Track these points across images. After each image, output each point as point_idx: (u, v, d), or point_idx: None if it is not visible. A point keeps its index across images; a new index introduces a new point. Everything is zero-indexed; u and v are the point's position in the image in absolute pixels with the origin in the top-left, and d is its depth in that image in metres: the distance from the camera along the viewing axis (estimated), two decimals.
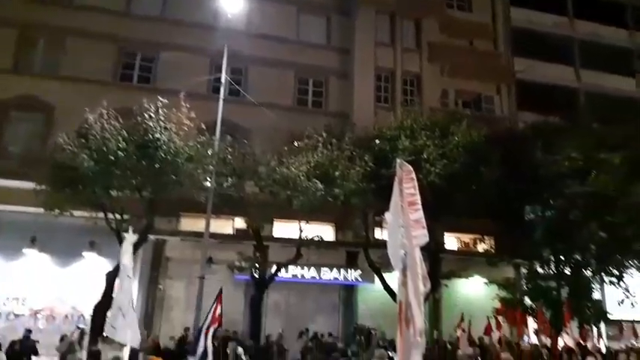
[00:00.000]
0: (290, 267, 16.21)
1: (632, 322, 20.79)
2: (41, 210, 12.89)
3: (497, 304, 15.97)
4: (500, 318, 15.74)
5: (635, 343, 17.23)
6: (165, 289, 16.90)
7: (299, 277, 17.32)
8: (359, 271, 17.88)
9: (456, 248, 19.72)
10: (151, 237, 15.76)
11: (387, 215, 7.45)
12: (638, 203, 13.37)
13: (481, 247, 18.68)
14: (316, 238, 14.83)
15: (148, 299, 16.57)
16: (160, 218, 15.10)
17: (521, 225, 15.43)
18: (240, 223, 16.88)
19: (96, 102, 12.24)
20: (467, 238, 19.92)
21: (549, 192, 14.42)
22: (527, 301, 15.76)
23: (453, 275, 17.03)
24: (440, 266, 16.05)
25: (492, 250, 17.69)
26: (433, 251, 14.80)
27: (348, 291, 18.46)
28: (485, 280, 17.95)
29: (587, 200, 13.64)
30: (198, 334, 8.88)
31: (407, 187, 6.81)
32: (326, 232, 17.81)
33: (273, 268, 14.88)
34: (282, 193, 12.88)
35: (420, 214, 6.86)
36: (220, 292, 9.11)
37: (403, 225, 6.53)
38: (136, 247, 14.02)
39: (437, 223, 13.93)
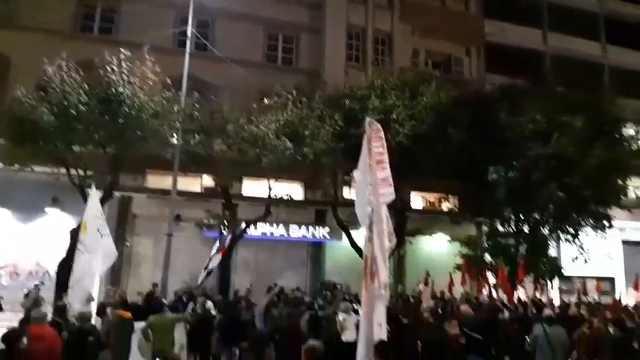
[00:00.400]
0: (259, 225, 16.34)
1: (584, 277, 22.06)
2: (0, 165, 12.49)
3: (459, 261, 16.63)
4: (462, 274, 16.42)
5: (585, 298, 18.31)
6: (133, 246, 16.82)
7: (268, 234, 17.50)
8: (327, 229, 18.18)
9: (421, 207, 20.20)
10: (117, 194, 15.53)
11: (356, 173, 7.57)
12: (595, 165, 13.90)
13: (445, 206, 19.21)
14: (285, 197, 14.91)
15: None
16: (125, 175, 14.85)
17: (485, 185, 15.90)
18: (208, 181, 16.78)
19: (55, 54, 11.66)
20: (432, 197, 20.41)
21: (513, 153, 14.82)
22: (488, 257, 16.45)
23: (417, 233, 17.55)
24: (405, 224, 16.47)
25: (456, 209, 18.25)
26: (399, 209, 15.13)
27: (317, 248, 18.80)
28: (448, 238, 18.58)
29: (548, 162, 14.11)
30: None
31: (375, 146, 6.91)
32: (295, 190, 17.90)
33: (242, 226, 14.96)
34: (250, 151, 12.80)
35: (387, 173, 7.00)
36: None
37: (371, 183, 6.66)
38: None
39: (403, 182, 14.19)
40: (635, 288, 18.80)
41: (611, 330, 8.81)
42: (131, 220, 16.96)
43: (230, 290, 15.05)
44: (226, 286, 15.04)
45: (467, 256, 16.41)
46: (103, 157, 12.68)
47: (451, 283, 16.38)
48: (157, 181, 16.74)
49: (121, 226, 16.75)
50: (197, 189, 17.50)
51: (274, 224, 17.34)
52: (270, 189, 14.49)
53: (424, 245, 20.21)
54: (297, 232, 18.01)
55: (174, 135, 12.80)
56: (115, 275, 16.15)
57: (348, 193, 17.33)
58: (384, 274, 6.27)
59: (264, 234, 17.34)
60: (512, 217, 16.06)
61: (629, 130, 16.18)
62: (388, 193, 7.04)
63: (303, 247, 18.73)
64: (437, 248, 19.95)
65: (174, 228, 13.08)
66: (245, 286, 14.76)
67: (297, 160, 13.05)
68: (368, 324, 5.47)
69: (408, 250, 19.13)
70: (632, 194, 18.63)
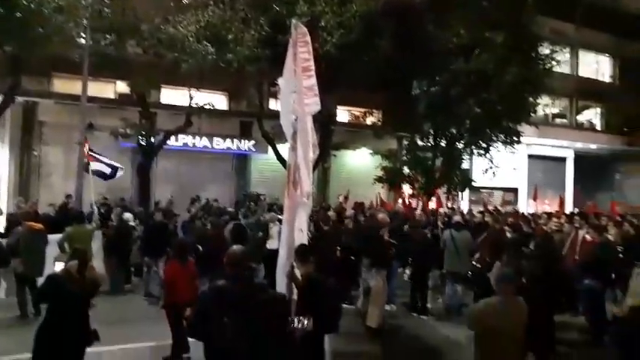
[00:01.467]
0: (180, 135, 15.74)
1: (492, 189, 23.87)
2: None
3: (381, 173, 17.20)
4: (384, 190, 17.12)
5: (490, 207, 19.92)
6: (41, 155, 15.73)
7: (190, 145, 16.98)
8: (252, 141, 17.95)
9: (346, 120, 20.37)
10: (19, 99, 14.20)
11: (280, 81, 7.30)
12: (511, 82, 14.47)
13: (370, 121, 19.48)
14: (208, 106, 14.33)
15: (22, 165, 15.44)
16: (28, 78, 13.53)
17: (408, 99, 16.17)
18: (123, 87, 15.66)
19: None
20: (357, 111, 20.59)
21: (436, 67, 14.99)
22: (406, 169, 17.16)
23: (342, 146, 17.81)
24: (330, 137, 16.60)
25: (379, 123, 18.57)
26: (325, 122, 15.11)
27: (242, 160, 18.63)
28: (370, 152, 19.07)
29: (468, 77, 14.47)
30: None
31: (301, 52, 6.60)
32: (219, 101, 17.25)
33: (161, 136, 14.36)
34: (168, 54, 11.94)
35: (313, 81, 6.79)
36: None
37: (296, 90, 6.45)
38: (2, 108, 12.61)
39: (330, 94, 14.06)
40: (534, 199, 20.72)
41: (509, 234, 9.75)
42: (38, 127, 15.70)
43: (151, 201, 14.73)
44: (146, 197, 14.67)
45: (387, 168, 16.98)
46: (1, 56, 11.37)
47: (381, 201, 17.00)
48: (66, 85, 15.38)
49: (27, 134, 15.52)
50: (111, 95, 16.37)
51: (197, 136, 16.80)
52: (191, 98, 13.83)
53: (348, 159, 20.69)
54: (221, 144, 17.63)
55: (82, 34, 11.59)
56: (23, 185, 15.21)
57: (274, 104, 16.98)
58: (307, 183, 6.28)
59: (185, 145, 16.80)
60: (432, 131, 16.63)
61: (545, 50, 16.78)
62: (313, 102, 6.86)
63: (227, 159, 18.46)
64: (360, 162, 20.50)
65: (88, 137, 12.25)
66: (166, 197, 14.49)
67: (220, 67, 12.38)
68: (289, 230, 5.54)
69: (332, 163, 19.50)
70: (540, 112, 19.81)
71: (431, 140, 16.92)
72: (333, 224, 10.26)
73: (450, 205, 18.46)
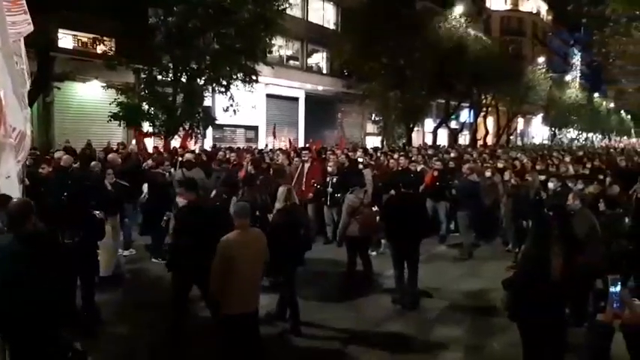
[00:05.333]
0: None
1: (234, 126, 24.65)
2: None
3: (116, 109, 15.68)
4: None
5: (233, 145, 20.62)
6: None
7: None
8: None
9: (71, 47, 17.79)
10: None
11: None
12: (248, 20, 14.75)
13: (100, 49, 17.43)
14: None
15: None
16: None
17: (144, 28, 14.93)
18: None
19: None
20: (85, 37, 18.13)
21: None
22: (145, 106, 16.11)
23: (67, 77, 15.54)
24: (52, 66, 14.32)
25: (112, 53, 16.79)
26: (43, 47, 12.87)
27: None
28: (103, 85, 17.23)
29: (206, 10, 14.15)
30: None
31: None
32: None
33: None
34: None
35: None
36: None
37: None
38: None
39: (47, 14, 11.93)
40: (274, 136, 22.33)
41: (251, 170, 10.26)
42: None
43: None
44: None
45: (123, 104, 15.60)
46: None
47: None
48: None
49: None
50: None
51: None
52: None
53: (76, 92, 18.33)
54: None
55: None
56: None
57: None
58: (15, 119, 5.26)
59: None
60: (171, 65, 15.84)
61: None
62: (23, 21, 5.65)
63: None
64: (91, 95, 18.40)
65: None
66: None
67: None
68: None
69: (55, 96, 16.96)
70: (275, 53, 20.91)
71: (171, 75, 16.16)
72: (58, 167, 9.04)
73: (193, 144, 18.28)
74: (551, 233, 4.34)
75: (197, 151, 15.13)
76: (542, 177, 10.00)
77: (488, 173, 11.01)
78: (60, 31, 16.95)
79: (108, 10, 14.23)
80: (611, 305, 4.05)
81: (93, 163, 9.36)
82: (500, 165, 13.16)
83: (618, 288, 3.97)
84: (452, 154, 17.55)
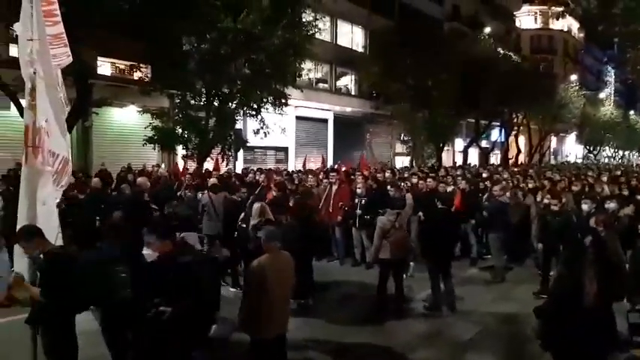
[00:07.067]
0: None
1: (265, 148, 25.02)
2: None
3: (151, 133, 16.19)
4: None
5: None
6: None
7: None
8: None
9: (109, 74, 18.54)
10: None
11: (17, 26, 6.11)
12: (277, 45, 15.09)
13: (137, 76, 18.11)
14: None
15: None
16: None
17: (178, 55, 15.46)
18: None
19: None
20: (122, 64, 18.89)
21: (205, 24, 14.62)
22: (179, 129, 16.58)
23: (104, 103, 16.20)
24: (90, 92, 14.92)
25: (147, 79, 17.41)
26: (81, 75, 13.45)
27: None
28: (139, 109, 17.84)
29: (236, 37, 14.55)
30: None
31: None
32: None
33: None
34: None
35: (60, 28, 5.87)
36: None
37: (35, 38, 5.50)
38: None
39: (86, 43, 12.53)
40: (303, 167, 22.46)
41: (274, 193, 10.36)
42: None
43: None
44: None
45: (158, 128, 16.10)
46: None
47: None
48: None
49: None
50: None
51: None
52: None
53: (114, 117, 19.03)
54: None
55: None
56: None
57: (15, 51, 14.27)
58: (59, 146, 5.53)
59: None
60: (204, 90, 16.31)
61: (308, 17, 17.77)
62: (63, 53, 5.98)
63: None
64: (127, 120, 19.05)
65: None
66: None
67: None
68: (29, 203, 4.78)
69: (94, 121, 17.64)
70: (305, 76, 21.24)
71: (204, 99, 16.63)
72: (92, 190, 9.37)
73: (225, 165, 18.65)
74: (585, 257, 4.25)
75: (225, 173, 15.34)
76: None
77: (507, 194, 10.63)
78: (99, 58, 17.75)
79: (144, 39, 14.78)
80: None
81: (123, 185, 9.62)
82: (530, 185, 12.93)
83: None
84: (484, 174, 17.33)
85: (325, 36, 25.55)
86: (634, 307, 4.33)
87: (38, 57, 5.28)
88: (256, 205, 6.63)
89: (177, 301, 4.05)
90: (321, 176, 13.51)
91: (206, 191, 9.68)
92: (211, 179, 10.69)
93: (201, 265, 4.87)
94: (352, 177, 14.23)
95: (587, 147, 59.91)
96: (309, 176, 13.91)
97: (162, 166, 16.13)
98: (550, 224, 8.27)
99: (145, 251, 4.46)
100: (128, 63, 18.56)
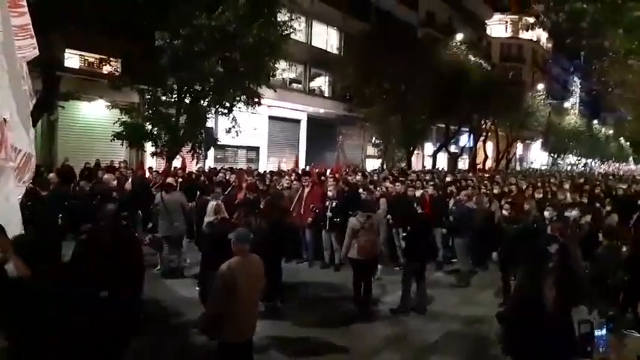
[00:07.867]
0: None
1: (236, 147, 24.81)
2: None
3: (120, 129, 15.85)
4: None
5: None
6: None
7: None
8: None
9: (77, 66, 18.07)
10: None
11: None
12: (252, 44, 14.98)
13: (106, 69, 17.68)
14: None
15: None
16: None
17: (150, 50, 15.17)
18: None
19: None
20: (92, 57, 18.42)
21: (180, 20, 14.40)
22: (149, 126, 16.26)
23: (72, 96, 15.77)
24: (57, 85, 14.48)
25: (117, 73, 17.02)
26: (48, 67, 13.07)
27: None
28: (107, 104, 17.42)
29: (212, 34, 14.37)
30: None
31: None
32: None
33: None
34: None
35: (26, 19, 5.68)
36: None
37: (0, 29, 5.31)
38: None
39: (54, 35, 12.19)
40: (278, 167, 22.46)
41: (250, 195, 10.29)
42: None
43: None
44: None
45: (126, 123, 15.76)
46: None
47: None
48: None
49: None
50: None
51: None
52: None
53: (80, 111, 18.54)
54: None
55: None
56: None
57: None
58: (21, 141, 5.35)
59: None
60: (175, 87, 16.04)
61: (284, 17, 17.67)
62: (28, 45, 5.80)
63: None
64: (95, 115, 18.59)
65: None
66: None
67: None
68: None
69: (60, 115, 17.13)
70: (279, 76, 21.13)
71: (175, 96, 16.35)
72: (55, 186, 9.09)
73: (195, 164, 18.43)
74: (545, 264, 4.37)
75: (196, 172, 15.17)
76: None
77: (474, 199, 10.87)
78: (67, 50, 17.26)
79: (115, 31, 14.45)
80: (597, 349, 4.03)
81: (82, 183, 9.34)
82: (496, 191, 13.22)
83: (604, 331, 3.96)
84: (447, 179, 17.65)
85: (300, 36, 25.52)
86: (587, 318, 4.45)
87: (2, 48, 5.10)
88: (212, 203, 6.77)
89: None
90: (292, 177, 13.49)
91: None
92: (168, 179, 10.47)
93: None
94: (323, 178, 14.31)
95: (552, 154, 61.72)
96: (284, 177, 13.89)
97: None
98: (506, 232, 8.45)
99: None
100: (98, 56, 18.09)
